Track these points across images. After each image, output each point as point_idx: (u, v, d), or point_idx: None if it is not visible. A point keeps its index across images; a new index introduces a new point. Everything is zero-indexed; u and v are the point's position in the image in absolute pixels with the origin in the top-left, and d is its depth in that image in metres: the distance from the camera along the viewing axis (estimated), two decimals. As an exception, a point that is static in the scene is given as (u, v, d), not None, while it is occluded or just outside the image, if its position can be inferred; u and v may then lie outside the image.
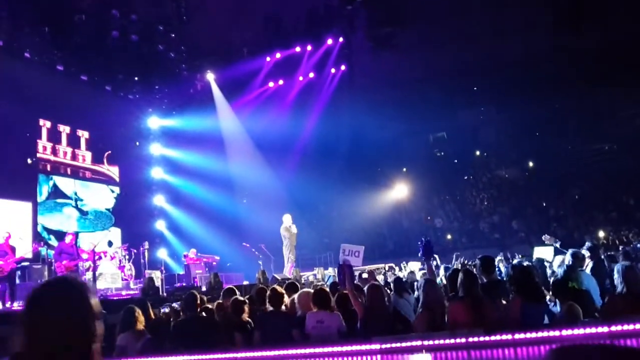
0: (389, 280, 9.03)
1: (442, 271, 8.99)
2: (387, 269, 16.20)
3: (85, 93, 17.55)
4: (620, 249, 11.53)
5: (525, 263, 6.60)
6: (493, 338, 3.58)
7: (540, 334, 3.49)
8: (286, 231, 13.45)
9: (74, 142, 17.92)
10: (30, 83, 15.20)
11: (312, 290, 5.86)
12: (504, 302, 5.18)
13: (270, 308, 5.69)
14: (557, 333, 3.43)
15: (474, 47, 25.16)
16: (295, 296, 5.79)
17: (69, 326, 1.64)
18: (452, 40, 24.74)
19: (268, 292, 5.84)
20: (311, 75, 21.18)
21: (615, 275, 4.79)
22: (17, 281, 10.99)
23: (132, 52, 17.98)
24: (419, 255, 5.76)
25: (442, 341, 3.78)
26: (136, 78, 19.10)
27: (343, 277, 5.80)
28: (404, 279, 9.53)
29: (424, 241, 5.70)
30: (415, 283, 8.23)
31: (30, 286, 9.61)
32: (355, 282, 6.27)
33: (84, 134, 18.25)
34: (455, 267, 9.88)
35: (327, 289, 5.86)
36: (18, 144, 15.65)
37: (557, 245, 9.12)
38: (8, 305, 10.10)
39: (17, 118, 15.07)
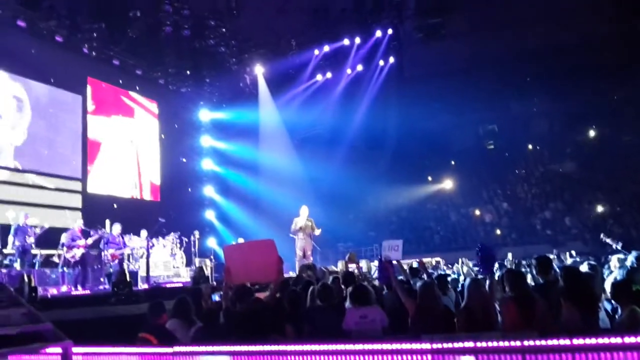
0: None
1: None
2: (434, 263, 16.02)
3: (139, 85, 18.35)
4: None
5: (585, 264, 6.23)
6: (550, 342, 3.46)
7: (600, 340, 3.32)
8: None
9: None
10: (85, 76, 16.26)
11: None
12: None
13: (319, 303, 5.62)
14: (619, 340, 3.26)
15: (527, 33, 24.24)
16: None
17: None
18: (504, 27, 23.88)
19: (317, 287, 5.80)
20: (359, 68, 21.03)
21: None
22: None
23: (184, 46, 18.43)
24: (477, 268, 5.09)
25: (495, 343, 3.68)
26: (188, 72, 19.56)
27: (385, 274, 5.73)
28: (452, 275, 9.41)
29: (480, 248, 5.03)
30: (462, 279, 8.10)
31: (88, 272, 9.71)
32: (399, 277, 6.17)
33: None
34: (509, 267, 9.66)
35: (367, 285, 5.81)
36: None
37: (619, 246, 8.63)
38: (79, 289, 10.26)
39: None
